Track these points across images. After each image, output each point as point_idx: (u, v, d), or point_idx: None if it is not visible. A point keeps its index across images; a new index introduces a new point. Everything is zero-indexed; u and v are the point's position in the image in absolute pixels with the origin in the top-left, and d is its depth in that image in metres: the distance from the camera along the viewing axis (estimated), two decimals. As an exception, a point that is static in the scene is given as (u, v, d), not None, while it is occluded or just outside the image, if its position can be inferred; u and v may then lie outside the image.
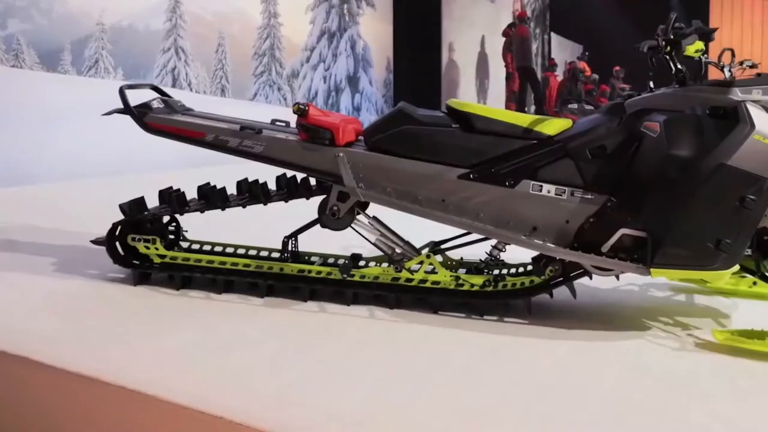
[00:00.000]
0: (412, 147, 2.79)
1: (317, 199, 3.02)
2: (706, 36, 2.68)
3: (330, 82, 10.46)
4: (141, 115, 2.92)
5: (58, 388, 2.15)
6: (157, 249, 3.02)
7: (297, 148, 2.84)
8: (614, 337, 2.63)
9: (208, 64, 8.51)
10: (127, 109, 2.92)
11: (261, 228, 3.56)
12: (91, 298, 2.88)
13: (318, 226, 2.98)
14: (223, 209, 3.03)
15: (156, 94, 3.12)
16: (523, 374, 2.25)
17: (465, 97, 13.70)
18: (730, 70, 3.14)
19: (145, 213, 3.04)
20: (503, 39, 13.72)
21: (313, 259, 3.16)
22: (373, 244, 2.95)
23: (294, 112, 2.82)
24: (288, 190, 3.04)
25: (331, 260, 3.15)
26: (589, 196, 2.69)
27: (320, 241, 3.16)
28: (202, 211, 3.04)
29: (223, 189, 3.08)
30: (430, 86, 12.79)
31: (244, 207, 3.04)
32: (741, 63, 3.19)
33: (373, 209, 2.96)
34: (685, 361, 2.41)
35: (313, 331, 2.61)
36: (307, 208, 3.10)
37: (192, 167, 6.78)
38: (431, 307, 2.86)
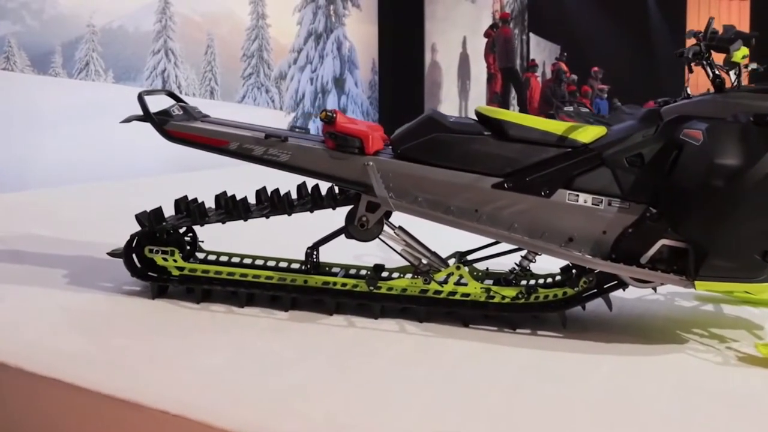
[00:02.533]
0: (444, 155, 2.71)
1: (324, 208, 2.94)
2: (746, 41, 2.63)
3: (317, 83, 10.34)
4: (161, 122, 2.80)
5: (94, 412, 2.04)
6: (175, 261, 2.90)
7: (325, 156, 2.74)
8: (654, 351, 2.58)
9: (197, 66, 8.35)
10: (147, 116, 2.80)
11: (270, 236, 3.46)
12: (111, 314, 2.76)
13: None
14: (245, 220, 2.92)
15: (167, 100, 3.01)
16: (575, 394, 2.18)
17: (447, 98, 13.67)
18: (736, 73, 3.11)
19: (164, 224, 2.92)
20: (485, 40, 13.69)
21: (334, 270, 3.06)
22: (400, 254, 2.87)
23: (321, 120, 2.72)
24: (312, 200, 2.94)
25: (353, 271, 3.06)
26: (627, 206, 2.63)
27: (330, 250, 3.04)
28: (223, 222, 2.93)
29: (245, 199, 2.98)
30: (414, 88, 12.72)
31: (267, 218, 2.93)
32: (746, 66, 3.17)
33: (395, 218, 2.88)
34: (734, 377, 2.35)
35: (347, 347, 2.51)
36: (316, 216, 3.00)
37: (182, 172, 6.68)
38: (461, 320, 2.79)
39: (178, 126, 2.81)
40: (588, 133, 2.69)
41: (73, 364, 2.21)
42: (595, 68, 14.10)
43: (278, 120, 9.43)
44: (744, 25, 12.77)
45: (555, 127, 2.71)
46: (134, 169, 6.86)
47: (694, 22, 13.01)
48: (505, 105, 13.40)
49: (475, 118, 2.83)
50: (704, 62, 2.64)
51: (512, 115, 2.74)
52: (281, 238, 3.48)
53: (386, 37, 12.02)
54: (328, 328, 2.69)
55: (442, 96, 13.57)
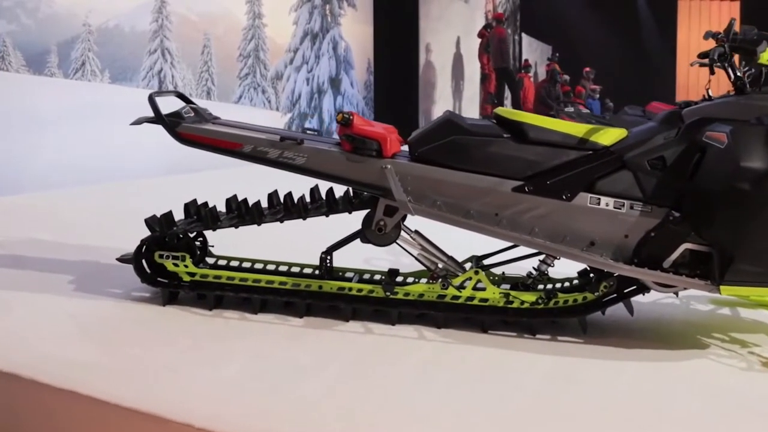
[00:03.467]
0: (463, 158, 2.66)
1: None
2: (769, 43, 2.58)
3: (313, 84, 10.25)
4: (173, 124, 2.73)
5: (114, 426, 1.97)
6: (186, 266, 2.84)
7: (341, 159, 2.68)
8: (677, 356, 2.54)
9: (193, 65, 8.24)
10: (158, 118, 2.73)
11: (279, 239, 3.40)
12: (122, 321, 2.69)
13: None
14: (259, 224, 2.85)
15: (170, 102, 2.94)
16: (603, 402, 2.13)
17: (441, 98, 13.62)
18: (738, 74, 3.08)
19: (175, 228, 2.85)
20: (478, 40, 13.66)
21: (348, 274, 3.01)
22: (416, 259, 2.82)
23: (338, 122, 2.66)
24: (327, 204, 2.87)
25: (366, 276, 3.01)
26: (649, 210, 2.58)
27: (336, 253, 2.96)
28: (236, 227, 2.86)
29: (258, 203, 2.91)
30: (409, 88, 12.67)
31: (281, 222, 2.86)
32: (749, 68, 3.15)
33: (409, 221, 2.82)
34: (760, 382, 2.33)
35: (366, 355, 2.45)
36: (325, 219, 2.95)
37: (181, 173, 6.61)
38: (480, 326, 2.74)
39: (190, 128, 2.74)
40: (609, 136, 2.64)
41: (89, 375, 2.15)
42: (587, 69, 14.08)
43: (275, 121, 9.34)
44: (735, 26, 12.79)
45: (575, 129, 2.66)
46: (132, 171, 6.76)
47: (685, 22, 13.00)
48: (500, 105, 13.36)
49: (493, 120, 2.78)
50: (726, 64, 2.60)
51: (532, 117, 2.69)
52: (290, 242, 3.42)
53: (381, 36, 11.96)
54: (345, 335, 2.64)
55: (436, 96, 13.52)
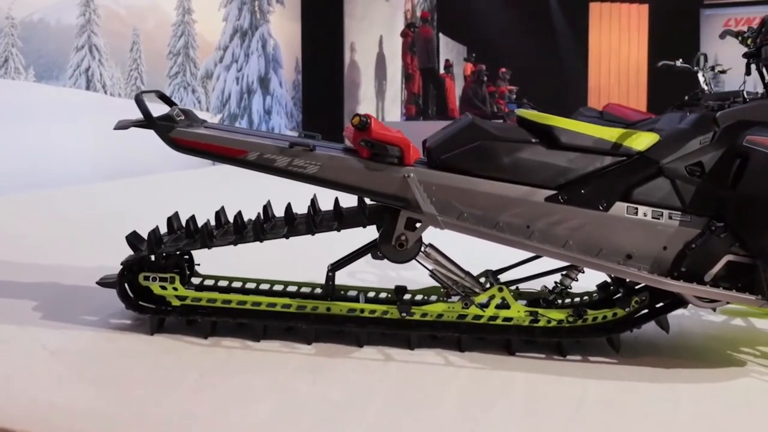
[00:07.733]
0: (491, 165, 2.42)
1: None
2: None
3: (242, 83, 9.82)
4: (166, 129, 2.39)
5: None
6: (176, 289, 2.50)
7: (359, 168, 2.40)
8: (721, 376, 2.40)
9: (122, 63, 7.70)
10: (149, 122, 2.37)
11: (256, 253, 3.07)
12: (111, 355, 2.32)
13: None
14: (261, 241, 2.54)
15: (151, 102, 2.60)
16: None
17: (365, 98, 13.44)
18: (704, 75, 3.02)
19: (162, 246, 2.51)
20: (400, 40, 13.54)
21: (351, 293, 2.73)
22: (432, 275, 2.57)
23: (354, 126, 2.38)
24: (336, 217, 2.59)
25: (371, 294, 2.74)
26: (689, 220, 2.42)
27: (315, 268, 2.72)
28: (235, 244, 2.54)
29: (258, 217, 2.60)
30: (335, 88, 12.43)
31: (287, 238, 2.56)
32: (712, 68, 3.11)
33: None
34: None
35: (400, 388, 2.18)
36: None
37: (117, 179, 6.16)
38: (504, 348, 2.52)
39: (185, 133, 2.40)
40: (642, 140, 2.46)
41: (99, 426, 1.80)
42: (503, 69, 14.15)
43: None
44: (643, 28, 13.12)
45: (606, 133, 2.47)
46: (64, 177, 6.22)
47: (596, 24, 13.24)
48: (425, 106, 13.30)
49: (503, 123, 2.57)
50: (757, 63, 2.48)
51: (560, 120, 2.49)
52: (275, 256, 3.12)
53: (308, 35, 11.66)
54: (365, 364, 2.36)
55: (360, 96, 13.33)
